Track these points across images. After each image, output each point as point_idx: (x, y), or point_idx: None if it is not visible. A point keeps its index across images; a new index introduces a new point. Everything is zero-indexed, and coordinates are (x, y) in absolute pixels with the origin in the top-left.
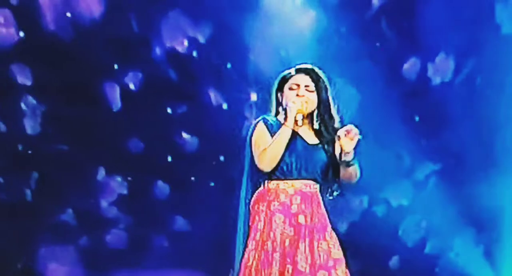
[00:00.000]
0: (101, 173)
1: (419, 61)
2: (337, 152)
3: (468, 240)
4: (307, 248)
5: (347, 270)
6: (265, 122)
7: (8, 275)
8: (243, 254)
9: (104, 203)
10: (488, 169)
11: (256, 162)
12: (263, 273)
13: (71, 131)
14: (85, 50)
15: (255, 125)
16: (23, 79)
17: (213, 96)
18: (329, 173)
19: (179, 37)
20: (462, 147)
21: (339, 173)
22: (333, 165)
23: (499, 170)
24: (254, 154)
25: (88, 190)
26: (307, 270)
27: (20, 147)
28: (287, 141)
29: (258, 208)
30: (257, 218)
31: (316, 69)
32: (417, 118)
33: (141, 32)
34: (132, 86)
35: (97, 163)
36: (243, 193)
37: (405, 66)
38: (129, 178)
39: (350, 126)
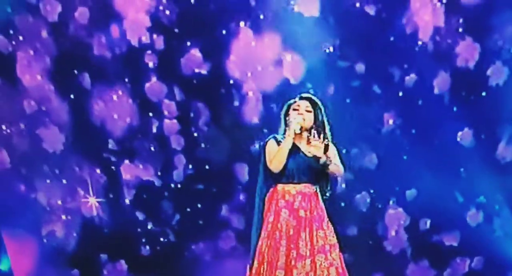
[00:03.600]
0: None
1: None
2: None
3: None
4: (307, 236)
5: (340, 254)
6: (275, 139)
7: None
8: (257, 241)
9: (224, 236)
10: None
11: (268, 165)
12: (272, 256)
13: (207, 187)
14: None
15: (267, 141)
16: (176, 144)
17: None
18: (321, 176)
19: None
20: None
21: (329, 176)
22: (324, 170)
23: None
24: (267, 161)
25: (214, 225)
26: (307, 254)
27: (167, 195)
28: (290, 147)
29: (269, 205)
30: (268, 213)
31: (315, 98)
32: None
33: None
34: None
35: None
36: (258, 193)
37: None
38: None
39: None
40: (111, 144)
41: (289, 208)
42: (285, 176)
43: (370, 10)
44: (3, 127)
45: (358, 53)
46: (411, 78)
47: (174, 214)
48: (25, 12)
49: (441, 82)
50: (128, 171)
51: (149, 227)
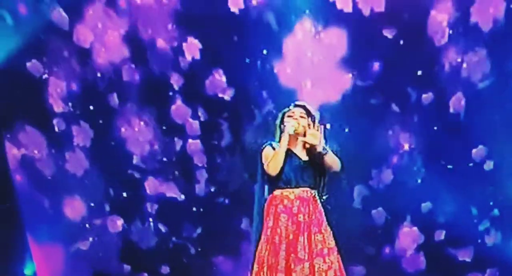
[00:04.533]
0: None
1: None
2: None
3: None
4: (306, 240)
5: (338, 256)
6: (271, 145)
7: None
8: (257, 245)
9: (244, 249)
10: None
11: (266, 169)
12: (272, 260)
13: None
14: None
15: (264, 148)
16: (198, 160)
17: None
18: (317, 179)
19: None
20: None
21: (325, 179)
22: (320, 174)
23: None
24: (264, 165)
25: (235, 237)
26: (306, 257)
27: (193, 208)
28: (285, 149)
29: (268, 210)
30: (268, 218)
31: (308, 105)
32: None
33: None
34: None
35: (241, 215)
36: (257, 199)
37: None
38: None
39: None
40: (135, 161)
41: (288, 213)
42: (282, 181)
43: (389, 34)
44: (35, 151)
45: (376, 74)
46: (428, 96)
47: (195, 228)
48: (58, 38)
49: (456, 102)
50: (152, 187)
51: (171, 240)
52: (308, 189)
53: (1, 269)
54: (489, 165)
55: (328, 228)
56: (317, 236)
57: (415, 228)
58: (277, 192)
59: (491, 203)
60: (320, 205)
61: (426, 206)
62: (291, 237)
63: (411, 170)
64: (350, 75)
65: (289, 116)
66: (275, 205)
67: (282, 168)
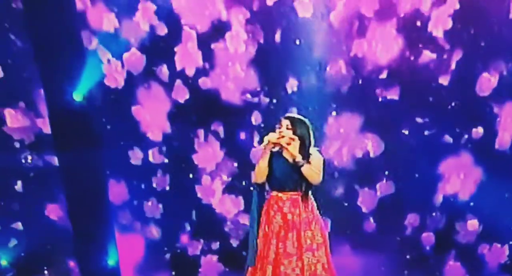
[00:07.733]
0: None
1: None
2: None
3: None
4: (294, 237)
5: (327, 251)
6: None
7: None
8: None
9: None
10: None
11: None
12: (265, 253)
13: None
14: None
15: None
16: None
17: None
18: (303, 183)
19: None
20: None
21: (306, 183)
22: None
23: None
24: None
25: None
26: (295, 252)
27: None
28: (266, 160)
29: (264, 210)
30: (263, 216)
31: (298, 117)
32: None
33: None
34: None
35: None
36: (254, 200)
37: None
38: None
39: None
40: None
41: (280, 212)
42: (276, 185)
43: (444, 80)
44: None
45: (432, 112)
46: (478, 131)
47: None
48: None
49: (502, 140)
50: (223, 205)
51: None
52: (297, 191)
53: (85, 259)
54: None
55: (318, 226)
56: (307, 233)
57: (457, 263)
58: (273, 193)
59: None
60: (310, 205)
61: (472, 224)
62: (282, 233)
63: (460, 199)
64: (407, 131)
65: (278, 128)
66: (271, 205)
67: (276, 173)
